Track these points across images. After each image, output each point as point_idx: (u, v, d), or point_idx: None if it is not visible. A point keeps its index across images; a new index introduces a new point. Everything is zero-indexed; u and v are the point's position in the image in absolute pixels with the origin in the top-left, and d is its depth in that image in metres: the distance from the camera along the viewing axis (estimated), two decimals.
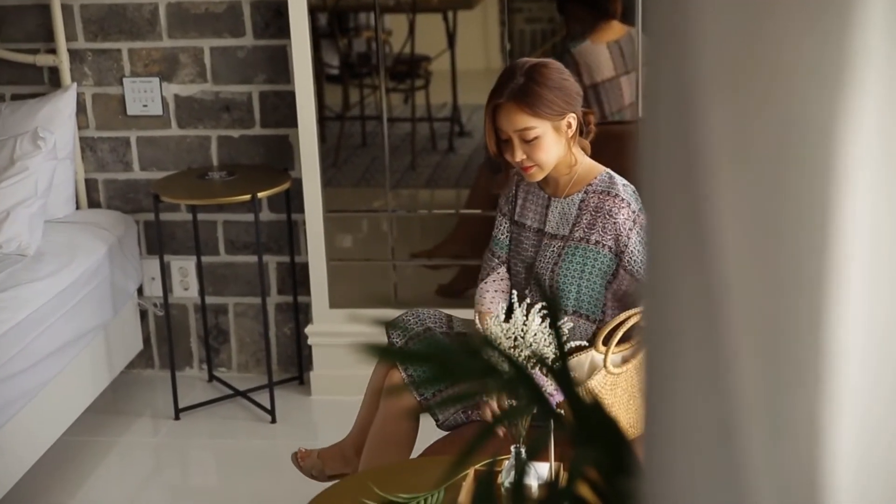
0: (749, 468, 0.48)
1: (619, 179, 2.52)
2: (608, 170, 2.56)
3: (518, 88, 2.46)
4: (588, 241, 2.48)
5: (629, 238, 2.45)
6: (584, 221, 2.49)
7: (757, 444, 0.49)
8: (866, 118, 0.49)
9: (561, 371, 0.90)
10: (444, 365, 0.84)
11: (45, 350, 3.24)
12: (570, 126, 2.51)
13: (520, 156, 2.49)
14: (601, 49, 3.51)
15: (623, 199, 2.47)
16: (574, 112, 2.51)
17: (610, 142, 2.76)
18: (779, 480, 0.48)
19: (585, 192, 2.52)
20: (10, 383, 3.04)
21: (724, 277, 0.49)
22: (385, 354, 0.88)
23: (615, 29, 3.54)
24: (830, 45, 0.49)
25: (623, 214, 2.45)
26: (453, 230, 3.82)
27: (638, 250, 2.45)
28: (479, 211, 3.75)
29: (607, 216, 2.46)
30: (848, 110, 0.49)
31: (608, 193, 2.49)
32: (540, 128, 2.47)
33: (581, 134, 2.58)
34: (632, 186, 2.52)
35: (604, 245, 2.47)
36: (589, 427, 0.89)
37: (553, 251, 2.53)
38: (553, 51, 3.54)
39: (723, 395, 0.50)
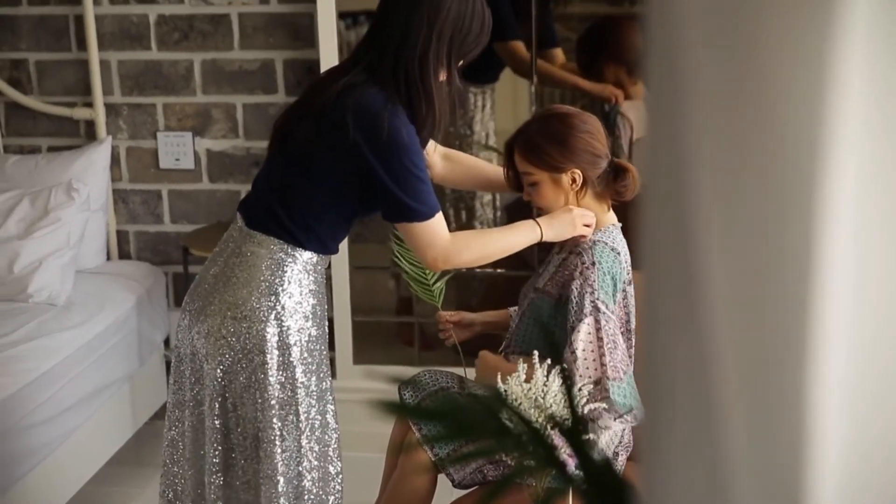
0: None
1: (599, 247, 2.46)
2: (606, 227, 2.51)
3: (524, 133, 2.52)
4: (546, 293, 2.50)
5: (573, 288, 2.41)
6: (556, 276, 2.49)
7: (744, 484, 0.51)
8: (844, 190, 0.52)
9: (573, 432, 0.91)
10: (459, 422, 0.85)
11: (71, 400, 3.26)
12: (574, 181, 2.48)
13: (526, 197, 2.56)
14: (640, 106, 3.55)
15: (583, 256, 2.44)
16: (579, 168, 2.46)
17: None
18: None
19: (570, 252, 2.50)
20: (34, 432, 3.07)
21: (714, 336, 0.51)
22: (399, 411, 0.90)
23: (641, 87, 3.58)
24: (808, 120, 0.51)
25: (576, 267, 2.42)
26: (483, 293, 3.84)
27: (575, 301, 2.39)
28: (502, 270, 3.77)
29: (565, 269, 2.47)
30: (824, 183, 0.51)
31: (580, 255, 2.45)
32: (536, 175, 2.49)
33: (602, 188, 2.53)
34: (609, 250, 2.47)
35: (552, 295, 2.48)
36: (600, 488, 0.90)
37: (526, 302, 2.57)
38: (604, 114, 3.56)
39: (714, 445, 0.52)
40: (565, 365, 2.36)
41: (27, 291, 3.47)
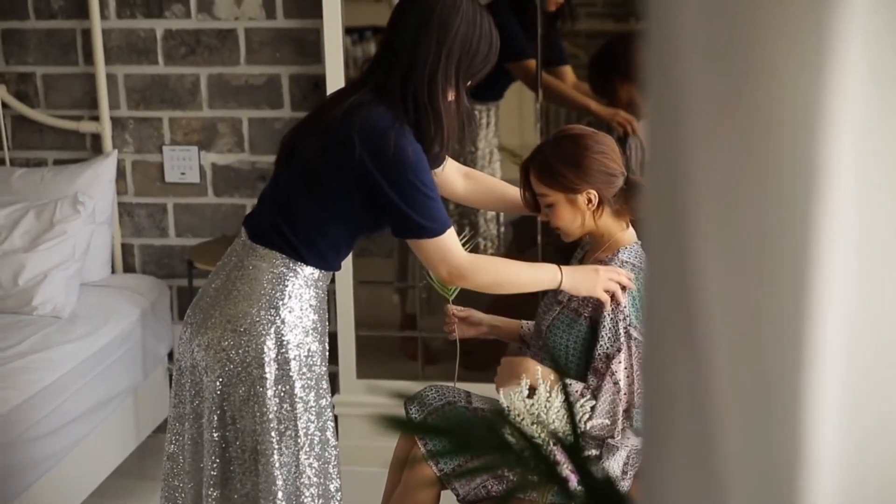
0: None
1: (626, 269, 2.47)
2: (630, 246, 2.53)
3: (539, 155, 2.52)
4: (573, 310, 2.49)
5: (605, 313, 2.42)
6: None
7: (741, 492, 0.51)
8: (843, 192, 0.52)
9: (575, 448, 0.91)
10: (464, 438, 0.85)
11: (74, 412, 3.27)
12: (590, 202, 2.48)
13: (543, 217, 2.57)
14: None
15: None
16: (594, 188, 2.47)
17: None
18: None
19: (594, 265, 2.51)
20: (37, 445, 3.07)
21: (712, 344, 0.51)
22: (402, 426, 0.90)
23: None
24: (807, 121, 0.51)
25: None
26: (490, 305, 3.83)
27: (608, 327, 2.41)
28: None
29: None
30: (823, 186, 0.51)
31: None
32: (552, 196, 2.50)
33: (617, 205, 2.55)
34: (638, 271, 2.48)
35: (582, 315, 2.47)
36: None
37: (551, 315, 2.56)
38: (618, 136, 3.55)
39: (711, 454, 0.52)
40: (606, 395, 2.36)
41: (32, 304, 3.48)
